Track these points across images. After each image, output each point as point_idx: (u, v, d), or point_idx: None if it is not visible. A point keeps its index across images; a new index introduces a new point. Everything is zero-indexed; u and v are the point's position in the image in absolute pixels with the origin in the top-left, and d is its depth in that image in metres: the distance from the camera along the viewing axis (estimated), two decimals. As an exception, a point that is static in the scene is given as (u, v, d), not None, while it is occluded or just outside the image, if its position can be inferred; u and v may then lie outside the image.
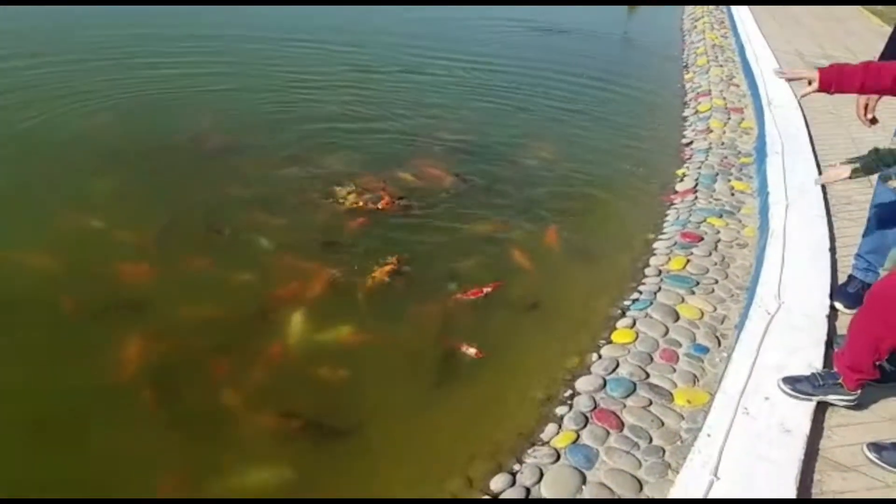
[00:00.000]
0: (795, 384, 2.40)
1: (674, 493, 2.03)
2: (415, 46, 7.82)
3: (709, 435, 2.21)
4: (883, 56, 2.89)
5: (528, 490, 2.16)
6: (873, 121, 2.87)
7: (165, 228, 3.71)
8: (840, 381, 2.35)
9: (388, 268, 3.42)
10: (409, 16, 9.54)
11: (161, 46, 6.93)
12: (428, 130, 5.40)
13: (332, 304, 3.19)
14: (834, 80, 2.26)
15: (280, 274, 3.37)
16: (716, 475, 2.05)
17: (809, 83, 2.30)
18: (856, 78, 2.23)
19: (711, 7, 11.11)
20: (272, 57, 6.92)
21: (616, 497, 2.13)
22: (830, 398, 2.37)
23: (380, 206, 4.08)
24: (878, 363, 2.28)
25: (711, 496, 1.99)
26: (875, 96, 2.80)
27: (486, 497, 2.19)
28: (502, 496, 2.16)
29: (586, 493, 2.15)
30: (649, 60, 8.57)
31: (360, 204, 4.08)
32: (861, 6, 11.91)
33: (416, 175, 4.58)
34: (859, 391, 2.35)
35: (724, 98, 6.45)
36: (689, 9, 11.65)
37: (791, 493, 2.01)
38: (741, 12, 9.74)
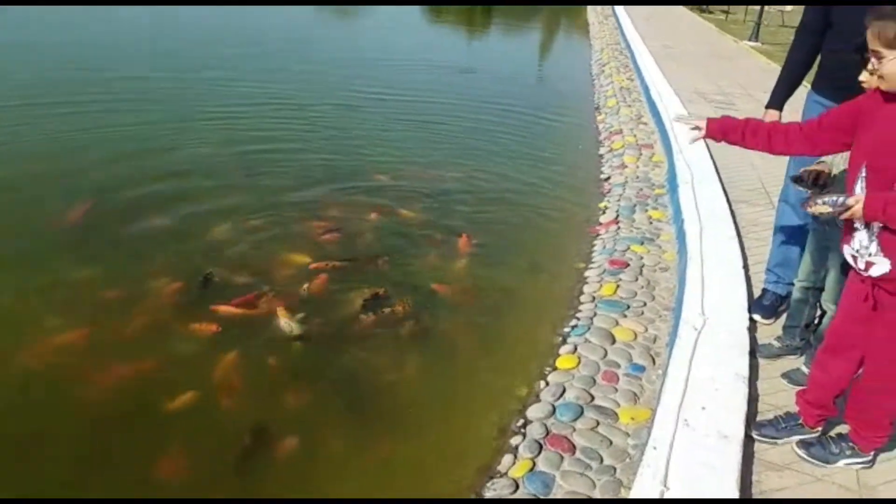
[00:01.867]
0: (761, 429, 2.44)
1: (633, 494, 2.07)
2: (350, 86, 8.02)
3: (655, 448, 2.27)
4: (789, 55, 3.07)
5: (490, 520, 2.16)
6: None
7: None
8: (800, 420, 2.41)
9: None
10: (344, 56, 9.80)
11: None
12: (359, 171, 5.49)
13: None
14: (718, 130, 2.36)
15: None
16: (665, 485, 2.10)
17: (699, 129, 2.42)
18: (737, 132, 2.31)
19: (617, 53, 11.69)
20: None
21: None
22: (794, 440, 2.40)
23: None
24: (836, 397, 2.33)
25: (663, 506, 2.03)
26: (779, 119, 3.02)
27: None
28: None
29: (546, 517, 2.17)
30: (564, 103, 8.94)
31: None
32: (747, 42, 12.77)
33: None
34: (820, 428, 2.40)
35: (635, 136, 6.76)
36: (595, 55, 12.24)
37: (734, 494, 2.08)
38: (643, 57, 10.29)
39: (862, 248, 2.03)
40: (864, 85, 2.31)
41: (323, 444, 2.59)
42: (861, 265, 2.05)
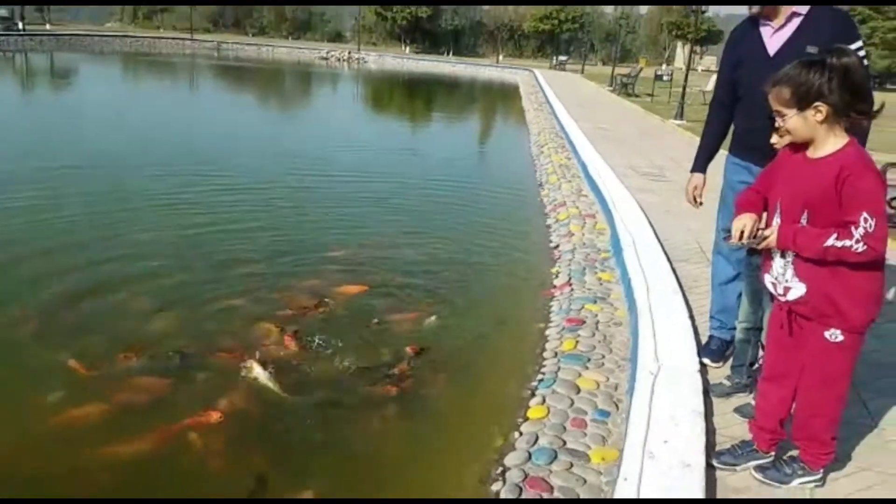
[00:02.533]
0: (721, 457, 2.64)
1: (608, 533, 2.23)
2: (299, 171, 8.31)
3: (626, 479, 2.45)
4: (707, 124, 3.46)
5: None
6: (700, 203, 3.45)
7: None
8: (754, 446, 2.62)
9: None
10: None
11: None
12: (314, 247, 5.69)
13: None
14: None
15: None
16: (639, 511, 2.27)
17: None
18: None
19: (553, 135, 12.43)
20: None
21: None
22: (751, 465, 2.60)
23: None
24: (782, 421, 2.55)
25: (639, 530, 2.20)
26: (702, 184, 3.39)
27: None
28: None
29: (533, 550, 2.29)
30: (509, 180, 9.48)
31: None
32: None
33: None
34: (773, 451, 2.61)
35: (578, 207, 7.20)
36: (534, 137, 12.97)
37: (702, 516, 2.26)
38: (578, 138, 11.00)
39: (779, 275, 2.33)
40: (776, 146, 2.71)
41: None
42: (780, 290, 2.34)
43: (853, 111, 2.14)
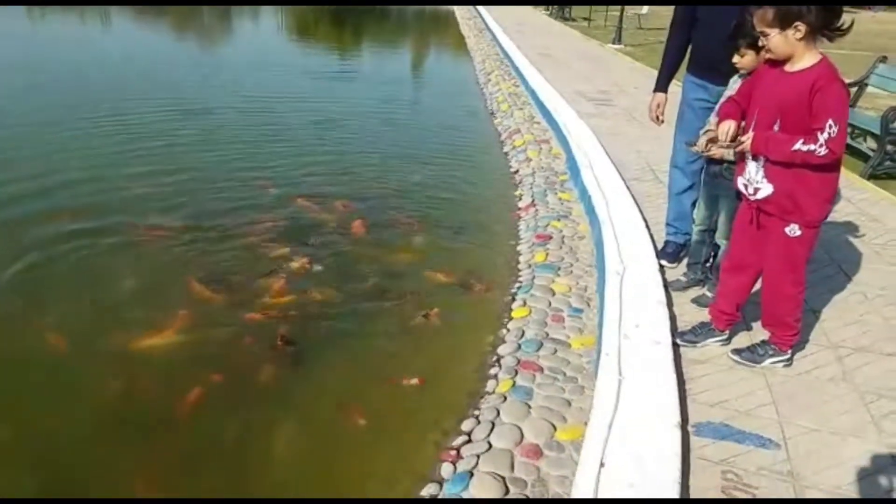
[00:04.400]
0: (683, 336, 3.16)
1: (596, 395, 2.72)
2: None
3: (607, 354, 2.95)
4: (667, 46, 3.83)
5: (492, 423, 2.76)
6: (661, 122, 3.88)
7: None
8: (712, 326, 3.14)
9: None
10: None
11: None
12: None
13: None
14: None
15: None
16: (620, 374, 2.78)
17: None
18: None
19: (498, 63, 12.68)
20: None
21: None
22: (709, 342, 3.14)
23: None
24: (739, 306, 3.08)
25: (622, 391, 2.71)
26: (664, 102, 3.82)
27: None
28: (473, 434, 2.74)
29: (534, 415, 2.79)
30: (459, 110, 9.77)
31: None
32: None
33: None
34: (727, 331, 3.14)
35: (532, 134, 7.61)
36: (478, 66, 13.18)
37: (672, 380, 2.78)
38: (524, 66, 11.29)
39: (751, 178, 2.78)
40: (738, 66, 3.14)
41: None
42: (751, 191, 2.80)
43: (827, 30, 2.51)
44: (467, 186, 6.23)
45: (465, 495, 2.41)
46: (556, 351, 3.29)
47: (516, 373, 3.12)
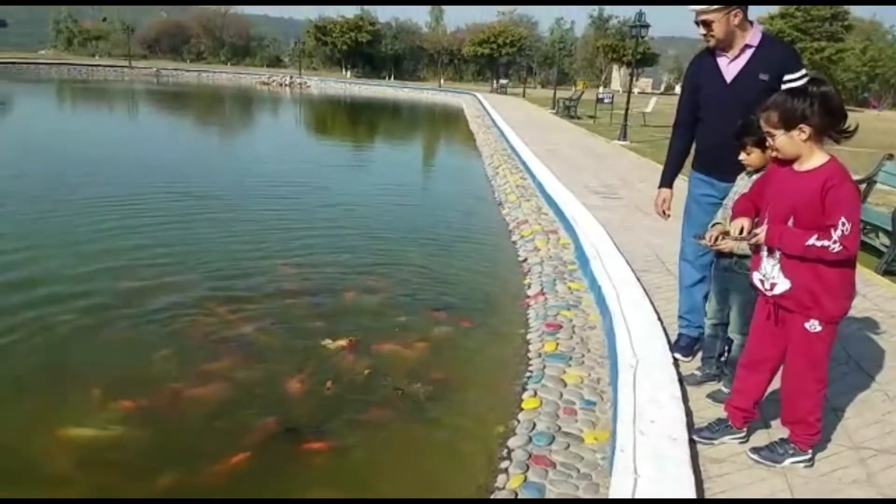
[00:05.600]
0: (700, 433, 3.05)
1: (611, 493, 2.59)
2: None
3: (622, 451, 2.82)
4: (671, 144, 3.87)
5: (503, 521, 2.62)
6: (668, 216, 3.90)
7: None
8: (729, 423, 3.03)
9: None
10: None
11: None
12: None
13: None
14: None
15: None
16: (636, 473, 2.65)
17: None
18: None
19: (505, 157, 12.97)
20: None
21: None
22: (727, 439, 3.03)
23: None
24: (756, 403, 2.98)
25: (638, 490, 2.57)
26: (670, 198, 3.84)
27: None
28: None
29: (547, 514, 2.65)
30: (468, 201, 9.92)
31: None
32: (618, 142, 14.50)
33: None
34: (745, 428, 3.04)
35: (540, 224, 7.67)
36: (487, 160, 13.48)
37: (690, 478, 2.65)
38: (531, 161, 11.54)
39: (767, 273, 2.74)
40: (745, 163, 3.18)
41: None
42: (767, 286, 2.76)
43: (832, 131, 2.57)
44: (474, 275, 6.23)
45: None
46: (568, 445, 3.16)
47: (528, 467, 2.99)
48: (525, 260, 6.54)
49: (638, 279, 5.24)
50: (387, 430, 3.52)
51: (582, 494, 2.79)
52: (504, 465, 3.07)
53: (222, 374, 3.96)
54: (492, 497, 2.85)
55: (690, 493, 2.56)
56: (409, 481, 3.12)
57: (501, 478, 2.97)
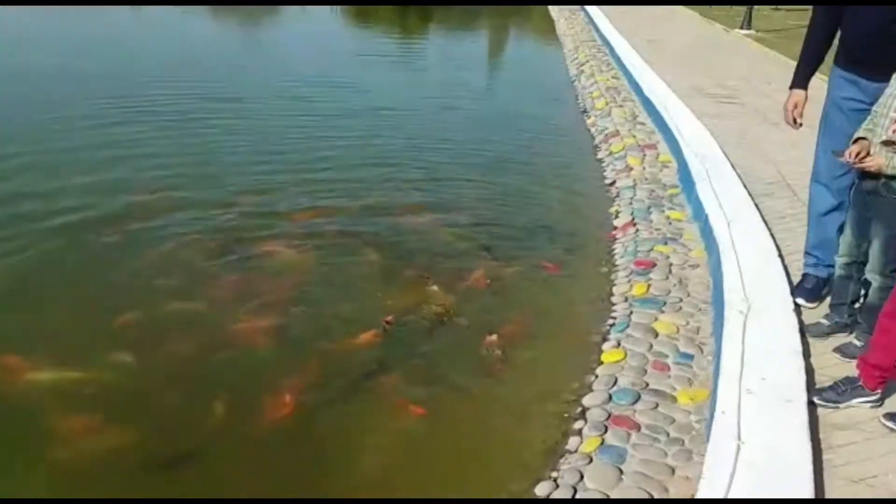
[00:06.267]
0: (822, 394, 3.10)
1: (707, 462, 2.69)
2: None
3: (723, 412, 2.91)
4: (809, 31, 3.80)
5: (574, 488, 2.77)
6: (799, 125, 3.83)
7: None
8: (860, 383, 3.07)
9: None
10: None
11: None
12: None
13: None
14: None
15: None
16: (740, 440, 2.74)
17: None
18: None
19: (594, 51, 12.73)
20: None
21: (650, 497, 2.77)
22: (855, 402, 3.07)
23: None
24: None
25: (741, 459, 2.67)
26: (803, 101, 3.77)
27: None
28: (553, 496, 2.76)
29: (627, 482, 2.79)
30: (545, 107, 9.85)
31: None
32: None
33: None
34: (880, 390, 3.07)
35: (634, 136, 7.61)
36: (569, 54, 13.26)
37: (807, 447, 2.73)
38: (627, 54, 11.30)
39: None
40: None
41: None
42: None
43: None
44: (552, 200, 6.30)
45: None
46: (657, 405, 3.27)
47: (606, 429, 3.12)
48: (613, 183, 6.55)
49: (756, 206, 5.21)
50: (447, 382, 3.72)
51: (671, 461, 2.91)
52: (578, 425, 3.21)
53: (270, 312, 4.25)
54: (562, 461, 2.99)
55: (806, 465, 2.64)
56: (468, 440, 3.32)
57: (574, 440, 3.12)
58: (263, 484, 2.99)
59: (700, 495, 2.56)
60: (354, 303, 4.37)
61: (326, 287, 4.57)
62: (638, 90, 9.28)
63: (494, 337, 3.98)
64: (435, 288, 4.53)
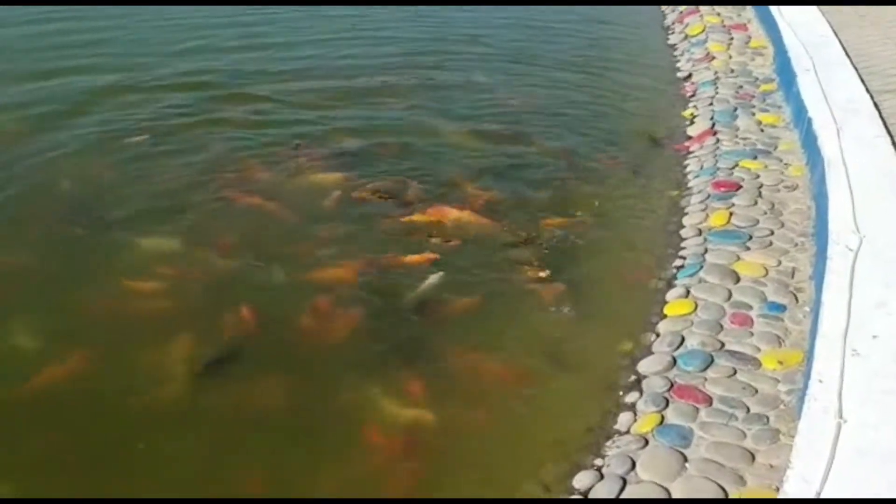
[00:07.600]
0: None
1: (798, 444, 2.68)
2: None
3: (821, 381, 2.89)
4: None
5: (623, 479, 2.77)
6: None
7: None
8: None
9: None
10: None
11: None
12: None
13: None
14: None
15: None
16: (841, 417, 2.73)
17: None
18: None
19: None
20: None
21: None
22: None
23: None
24: None
25: (842, 442, 2.65)
26: None
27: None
28: (592, 493, 2.76)
29: (692, 471, 2.78)
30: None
31: None
32: None
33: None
34: None
35: (719, 14, 7.46)
36: None
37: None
38: None
39: None
40: None
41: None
42: None
43: None
44: (609, 99, 6.25)
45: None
46: (734, 371, 3.26)
47: (667, 403, 3.12)
48: (689, 77, 6.48)
49: (876, 105, 5.10)
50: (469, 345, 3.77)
51: (750, 444, 2.91)
52: (630, 398, 3.21)
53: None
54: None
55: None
56: (495, 422, 3.31)
57: (625, 417, 3.12)
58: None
59: (787, 490, 2.54)
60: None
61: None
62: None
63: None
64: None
